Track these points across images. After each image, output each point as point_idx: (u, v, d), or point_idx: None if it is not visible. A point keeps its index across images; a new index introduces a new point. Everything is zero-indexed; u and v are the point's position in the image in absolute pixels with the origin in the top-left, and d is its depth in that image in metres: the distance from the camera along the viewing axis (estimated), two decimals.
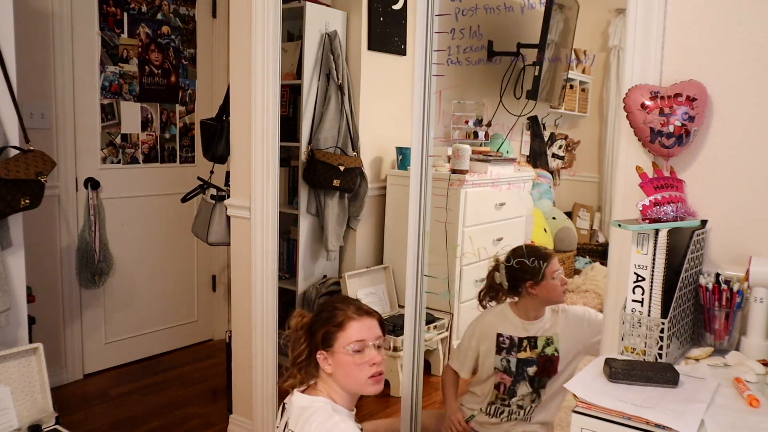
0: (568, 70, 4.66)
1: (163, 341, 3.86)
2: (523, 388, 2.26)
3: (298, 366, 1.65)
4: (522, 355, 2.25)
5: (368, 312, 1.66)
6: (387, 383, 3.26)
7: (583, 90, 5.48)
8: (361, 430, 1.65)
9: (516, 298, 2.30)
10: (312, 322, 1.67)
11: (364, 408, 3.07)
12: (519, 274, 2.25)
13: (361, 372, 1.60)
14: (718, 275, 1.59)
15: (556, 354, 2.24)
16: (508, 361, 2.26)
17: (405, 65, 3.70)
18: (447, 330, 3.44)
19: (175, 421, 3.05)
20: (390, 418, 2.73)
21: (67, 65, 3.22)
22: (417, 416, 2.33)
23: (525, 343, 2.26)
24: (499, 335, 2.27)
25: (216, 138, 3.16)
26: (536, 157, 5.01)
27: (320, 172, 3.28)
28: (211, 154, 3.21)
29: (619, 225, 1.54)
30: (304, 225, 3.50)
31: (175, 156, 3.83)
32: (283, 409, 1.73)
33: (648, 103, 1.62)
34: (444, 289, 2.86)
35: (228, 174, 3.11)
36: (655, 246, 1.48)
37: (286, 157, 3.54)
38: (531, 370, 2.25)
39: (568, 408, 2.16)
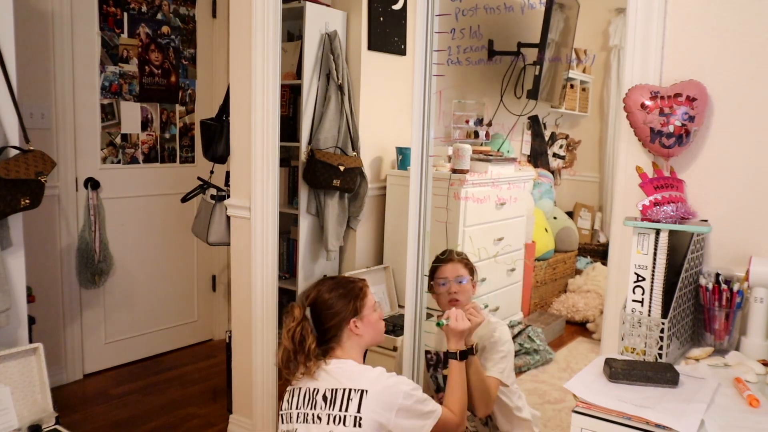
0: (568, 70, 4.66)
1: (163, 341, 3.86)
2: None
3: (310, 355, 1.71)
4: (447, 371, 2.10)
5: (363, 279, 1.90)
6: None
7: (583, 89, 5.48)
8: None
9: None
10: (326, 306, 1.76)
11: None
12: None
13: (380, 325, 1.84)
14: (718, 275, 1.59)
15: None
16: (436, 378, 2.18)
17: (405, 65, 3.70)
18: None
19: (175, 421, 3.05)
20: None
21: (67, 65, 3.22)
22: None
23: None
24: (426, 352, 2.20)
25: (216, 138, 3.16)
26: (537, 157, 5.01)
27: (320, 172, 3.28)
28: (211, 154, 3.21)
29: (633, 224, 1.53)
30: (304, 225, 3.49)
31: (175, 156, 3.83)
32: (291, 393, 1.75)
33: (648, 103, 1.62)
34: None
35: (228, 174, 3.11)
36: (655, 246, 1.48)
37: (286, 157, 3.54)
38: None
39: None
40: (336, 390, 1.66)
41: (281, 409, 1.79)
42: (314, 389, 1.70)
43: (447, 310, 1.95)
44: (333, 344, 1.76)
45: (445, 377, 2.14)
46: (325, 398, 1.67)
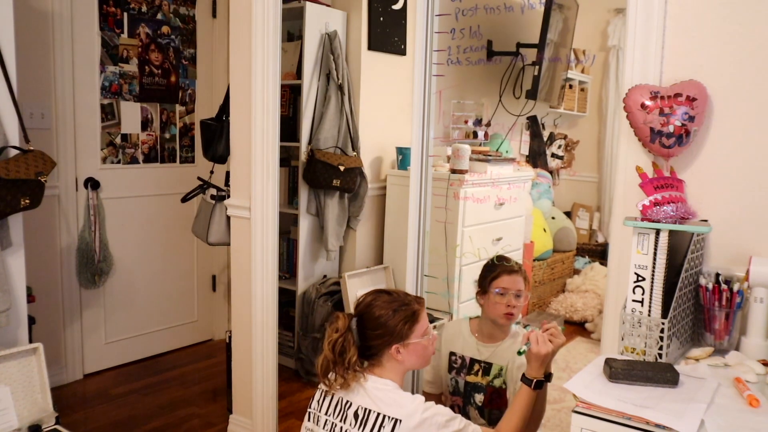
0: (567, 70, 4.67)
1: (163, 341, 3.86)
2: (474, 415, 2.10)
3: (350, 367, 1.67)
4: (471, 378, 2.10)
5: (421, 299, 1.80)
6: None
7: (582, 90, 5.48)
8: None
9: None
10: (373, 324, 1.70)
11: None
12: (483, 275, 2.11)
13: (428, 351, 1.75)
14: (718, 275, 1.60)
15: (504, 387, 2.06)
16: (456, 381, 2.14)
17: (405, 65, 3.70)
18: None
19: (175, 421, 3.05)
20: None
21: (67, 65, 3.22)
22: None
23: (477, 366, 2.10)
24: (452, 353, 2.15)
25: (216, 138, 3.16)
26: (535, 157, 5.01)
27: (320, 172, 3.28)
28: (211, 154, 3.21)
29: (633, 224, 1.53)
30: (304, 225, 3.50)
31: (175, 156, 3.83)
32: (324, 394, 1.73)
33: (648, 103, 1.62)
34: (444, 289, 2.86)
35: (228, 174, 3.12)
36: (655, 246, 1.48)
37: (286, 157, 3.55)
38: (478, 397, 2.09)
39: None
40: (369, 411, 1.62)
41: (309, 406, 1.76)
42: (347, 402, 1.67)
43: (526, 334, 1.82)
44: (372, 361, 1.71)
45: (466, 382, 2.13)
46: (356, 415, 1.63)
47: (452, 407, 2.17)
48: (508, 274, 2.05)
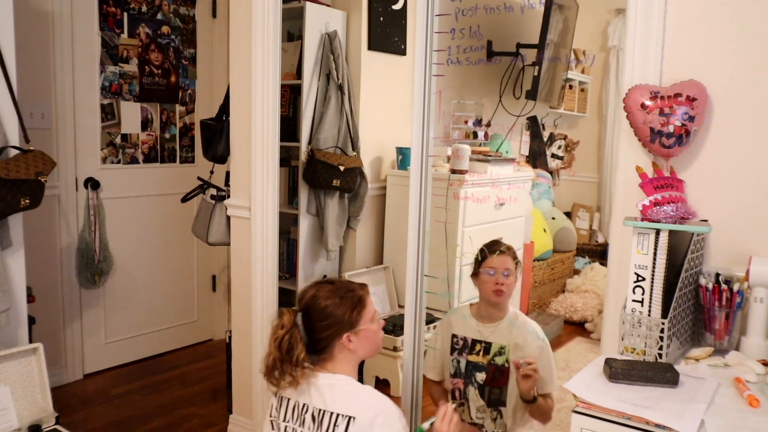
0: (567, 70, 4.67)
1: (163, 341, 3.86)
2: (474, 396, 2.17)
3: (299, 364, 1.62)
4: (472, 358, 2.19)
5: (365, 285, 1.77)
6: (387, 383, 3.26)
7: (582, 90, 5.48)
8: None
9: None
10: (320, 315, 1.65)
11: None
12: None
13: (378, 337, 1.73)
14: (718, 275, 1.60)
15: (506, 365, 2.14)
16: (458, 362, 2.21)
17: (405, 65, 3.70)
18: None
19: (175, 421, 3.05)
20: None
21: (67, 65, 3.22)
22: (417, 416, 2.33)
23: (478, 346, 2.18)
24: (453, 336, 2.23)
25: (216, 138, 3.16)
26: (535, 157, 5.01)
27: (320, 172, 3.28)
28: (211, 154, 3.21)
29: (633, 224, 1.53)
30: (304, 225, 3.50)
31: (175, 156, 3.83)
32: (281, 401, 1.69)
33: (648, 103, 1.62)
34: (444, 289, 2.85)
35: (228, 174, 3.12)
36: (655, 246, 1.48)
37: (286, 157, 3.54)
38: (480, 376, 2.16)
39: None
40: (324, 411, 1.60)
41: (270, 414, 1.72)
42: (303, 405, 1.64)
43: (440, 405, 1.77)
44: (324, 356, 1.67)
45: (467, 362, 2.19)
46: (313, 418, 1.61)
47: (453, 391, 2.23)
48: (496, 255, 2.17)
